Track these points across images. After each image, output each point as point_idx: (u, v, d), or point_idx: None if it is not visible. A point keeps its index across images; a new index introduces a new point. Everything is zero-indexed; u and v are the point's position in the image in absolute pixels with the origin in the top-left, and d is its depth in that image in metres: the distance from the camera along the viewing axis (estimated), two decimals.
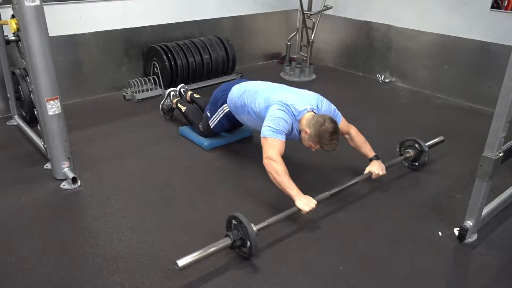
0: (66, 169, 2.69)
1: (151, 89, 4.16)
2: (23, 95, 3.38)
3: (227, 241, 2.02)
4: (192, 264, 1.90)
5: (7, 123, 3.53)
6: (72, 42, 3.87)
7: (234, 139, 3.27)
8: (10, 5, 2.41)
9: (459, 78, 4.23)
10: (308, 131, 2.41)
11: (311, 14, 4.84)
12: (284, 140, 2.42)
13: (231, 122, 3.03)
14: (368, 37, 4.93)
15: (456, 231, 2.29)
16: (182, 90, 3.67)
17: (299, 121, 2.48)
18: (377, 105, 4.19)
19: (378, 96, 4.48)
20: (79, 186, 2.66)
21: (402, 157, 2.90)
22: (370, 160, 2.70)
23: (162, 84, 4.20)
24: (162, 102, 3.66)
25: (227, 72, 4.66)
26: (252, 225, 2.02)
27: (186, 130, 3.35)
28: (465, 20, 4.05)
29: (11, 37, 2.57)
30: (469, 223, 2.21)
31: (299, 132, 2.51)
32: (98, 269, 2.02)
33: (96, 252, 2.13)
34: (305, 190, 2.34)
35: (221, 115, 3.00)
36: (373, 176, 2.64)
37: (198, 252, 1.92)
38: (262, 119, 2.55)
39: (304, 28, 4.89)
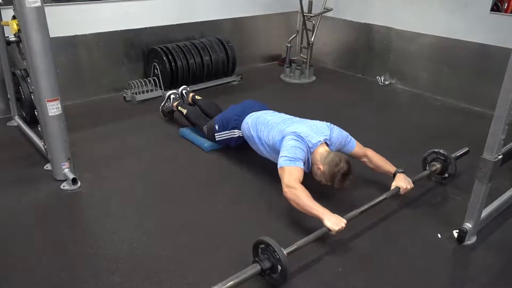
0: (66, 170, 2.69)
1: (152, 91, 4.17)
2: (24, 95, 3.38)
3: (256, 267, 1.88)
4: None
5: (8, 123, 3.54)
6: (73, 43, 3.88)
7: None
8: (11, 6, 2.42)
9: (458, 80, 4.24)
10: (321, 168, 2.38)
11: (311, 16, 4.85)
12: (302, 167, 2.36)
13: (238, 144, 3.04)
14: (368, 39, 4.94)
15: (455, 233, 2.29)
16: (184, 91, 3.67)
17: (312, 153, 2.46)
18: (377, 107, 4.20)
19: (378, 98, 4.49)
20: (79, 187, 2.67)
21: (428, 171, 2.78)
22: (394, 175, 2.59)
23: (162, 86, 4.20)
24: (162, 105, 3.67)
25: (227, 74, 4.66)
26: (282, 249, 1.89)
27: (186, 131, 3.35)
28: (465, 23, 4.06)
29: (12, 38, 2.58)
30: (468, 225, 2.21)
31: (311, 165, 2.49)
32: (98, 270, 2.02)
33: (96, 253, 2.13)
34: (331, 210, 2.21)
35: (230, 136, 3.00)
36: (401, 191, 2.50)
37: (228, 282, 1.78)
38: (276, 151, 2.53)
39: (304, 30, 4.90)
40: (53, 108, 2.54)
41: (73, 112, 3.65)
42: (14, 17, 2.48)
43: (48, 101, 2.51)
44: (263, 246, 1.92)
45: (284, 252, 1.88)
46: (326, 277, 2.03)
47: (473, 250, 2.23)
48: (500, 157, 2.02)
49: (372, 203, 2.36)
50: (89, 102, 4.06)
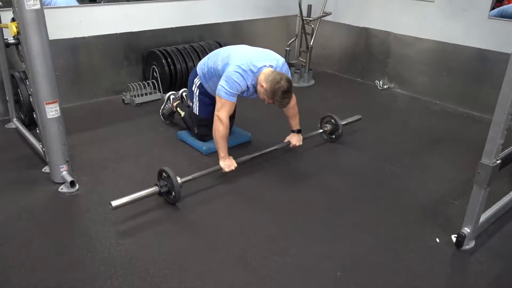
0: (64, 173, 2.69)
1: (150, 93, 4.17)
2: (22, 98, 3.38)
3: (155, 189, 2.45)
4: (124, 205, 2.32)
5: (6, 126, 3.53)
6: (72, 45, 3.88)
7: (233, 144, 3.27)
8: (11, 9, 2.42)
9: (457, 85, 4.25)
10: (264, 85, 2.61)
11: (310, 20, 4.86)
12: (235, 101, 2.72)
13: (211, 99, 3.05)
14: (367, 43, 4.95)
15: (453, 237, 2.29)
16: (184, 94, 3.67)
17: (258, 76, 2.66)
18: (376, 111, 4.20)
19: (376, 102, 4.49)
20: (77, 190, 2.66)
21: (321, 130, 3.36)
22: (292, 132, 3.06)
23: (161, 88, 4.20)
24: (162, 107, 3.66)
25: None
26: (178, 178, 2.44)
27: (184, 134, 3.35)
28: (463, 28, 4.08)
29: (11, 40, 2.57)
30: (466, 230, 2.21)
31: (256, 85, 2.70)
32: (95, 273, 2.02)
33: (94, 256, 2.13)
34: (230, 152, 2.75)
35: (197, 93, 3.09)
36: (291, 146, 3.05)
37: (130, 197, 2.35)
38: (219, 77, 2.74)
39: (303, 34, 4.91)
40: (52, 111, 2.53)
41: (71, 114, 3.65)
42: (13, 19, 2.48)
43: (46, 103, 2.50)
44: (164, 174, 2.48)
45: (179, 180, 2.45)
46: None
47: (471, 254, 2.23)
48: (498, 162, 2.03)
49: (263, 151, 2.96)
50: (88, 104, 4.06)
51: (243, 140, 3.35)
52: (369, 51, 4.95)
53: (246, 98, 2.90)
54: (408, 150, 3.34)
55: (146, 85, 4.18)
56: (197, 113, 3.13)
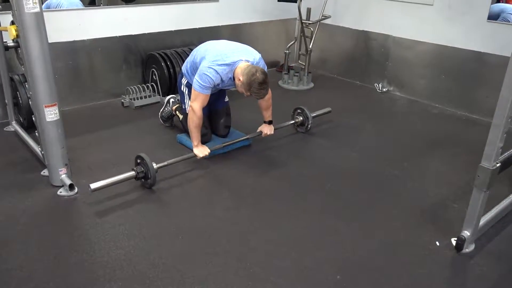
0: (63, 176, 2.68)
1: (150, 96, 4.17)
2: (21, 101, 3.37)
3: (131, 173, 2.64)
4: (103, 188, 2.50)
5: (5, 129, 3.52)
6: (71, 48, 3.87)
7: (232, 147, 3.27)
8: (10, 12, 2.42)
9: (456, 88, 4.25)
10: (241, 78, 2.74)
11: (309, 23, 4.87)
12: (208, 93, 2.86)
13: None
14: (366, 47, 4.96)
15: (453, 241, 2.29)
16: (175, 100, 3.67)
17: (234, 70, 2.80)
18: (375, 114, 4.21)
19: (376, 105, 4.50)
20: (76, 193, 2.66)
21: (293, 121, 3.57)
22: (264, 122, 3.26)
23: (160, 91, 4.20)
24: (161, 110, 3.66)
25: None
26: (154, 163, 2.61)
27: (184, 137, 3.34)
28: (462, 31, 4.09)
29: (10, 43, 2.57)
30: (466, 233, 2.21)
31: (234, 80, 2.84)
32: (94, 277, 2.01)
33: (93, 260, 2.12)
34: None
35: (186, 92, 3.17)
36: (263, 135, 3.24)
37: (108, 180, 2.54)
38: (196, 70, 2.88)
39: (302, 37, 4.92)
40: (51, 114, 2.53)
41: (71, 117, 3.64)
42: (12, 23, 2.48)
43: (46, 106, 2.50)
44: (140, 160, 2.67)
45: (155, 166, 2.64)
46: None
47: (471, 258, 2.22)
48: (498, 165, 2.03)
49: (235, 140, 3.20)
50: (87, 107, 4.06)
51: (241, 144, 3.33)
52: (368, 54, 4.96)
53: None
54: (407, 153, 3.34)
55: (146, 88, 4.18)
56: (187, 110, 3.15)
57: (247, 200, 2.67)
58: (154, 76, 4.23)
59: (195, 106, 2.85)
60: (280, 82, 5.00)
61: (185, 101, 3.21)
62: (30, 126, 3.23)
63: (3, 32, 3.08)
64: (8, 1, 2.38)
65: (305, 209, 2.59)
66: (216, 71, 2.79)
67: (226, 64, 2.80)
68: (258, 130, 3.27)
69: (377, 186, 2.89)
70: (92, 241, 2.25)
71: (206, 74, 2.79)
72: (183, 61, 4.15)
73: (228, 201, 2.67)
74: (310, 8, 4.89)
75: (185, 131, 3.37)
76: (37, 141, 2.83)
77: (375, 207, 2.65)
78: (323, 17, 4.86)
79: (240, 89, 2.82)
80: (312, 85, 4.99)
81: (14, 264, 2.08)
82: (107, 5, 4.08)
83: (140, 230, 2.35)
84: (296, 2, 4.60)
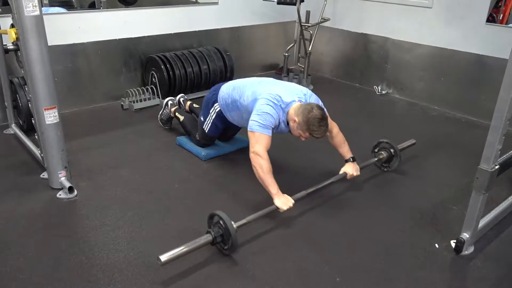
0: (62, 179, 2.68)
1: (149, 99, 4.17)
2: (21, 103, 3.38)
3: (208, 238, 2.10)
4: (174, 259, 1.97)
5: (4, 131, 3.52)
6: (71, 51, 3.88)
7: (232, 149, 3.27)
8: (10, 15, 2.42)
9: (455, 90, 4.26)
10: (296, 119, 2.43)
11: (309, 26, 4.88)
12: (270, 135, 2.47)
13: (225, 124, 3.04)
14: (365, 49, 4.97)
15: (452, 243, 2.29)
16: (181, 99, 3.68)
17: (287, 112, 2.51)
18: (374, 116, 4.21)
19: (375, 107, 4.50)
20: (76, 196, 2.65)
21: (376, 159, 3.02)
22: (346, 161, 2.79)
23: (160, 94, 4.21)
24: (160, 113, 3.67)
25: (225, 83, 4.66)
26: (232, 222, 2.09)
27: (183, 140, 3.35)
28: (461, 34, 4.10)
29: (10, 46, 2.57)
30: (465, 235, 2.21)
31: (287, 124, 2.55)
32: (93, 280, 2.01)
33: (92, 263, 2.12)
34: (282, 189, 2.42)
35: (214, 116, 3.01)
36: (348, 177, 2.73)
37: (180, 248, 1.99)
38: (250, 113, 2.56)
39: (301, 40, 4.92)
40: (50, 117, 2.53)
41: (70, 120, 3.65)
42: (12, 26, 2.48)
43: (45, 109, 2.50)
44: (216, 219, 2.13)
45: (234, 226, 2.09)
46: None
47: (470, 260, 2.22)
48: (497, 167, 2.03)
49: (320, 186, 2.60)
50: (86, 110, 4.06)
51: (241, 146, 3.33)
52: (367, 56, 4.97)
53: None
54: (406, 155, 3.34)
55: (145, 91, 4.18)
56: (207, 131, 3.09)
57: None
58: (153, 79, 4.24)
59: (258, 149, 2.41)
60: None
61: (208, 119, 3.05)
62: (29, 129, 3.24)
63: (3, 35, 3.09)
64: (8, 4, 2.39)
65: (302, 212, 2.59)
66: (274, 109, 2.48)
67: (281, 107, 2.50)
68: (341, 172, 2.74)
69: (376, 187, 2.89)
70: (91, 244, 2.25)
71: (266, 112, 2.45)
72: (183, 64, 4.21)
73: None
74: (309, 11, 4.90)
75: (186, 132, 3.37)
76: (36, 143, 2.83)
77: (374, 209, 2.65)
78: (322, 19, 4.87)
79: (296, 132, 2.49)
80: (311, 87, 4.99)
81: (13, 267, 2.08)
82: (107, 8, 4.09)
83: (140, 232, 2.35)
84: (295, 4, 4.61)
